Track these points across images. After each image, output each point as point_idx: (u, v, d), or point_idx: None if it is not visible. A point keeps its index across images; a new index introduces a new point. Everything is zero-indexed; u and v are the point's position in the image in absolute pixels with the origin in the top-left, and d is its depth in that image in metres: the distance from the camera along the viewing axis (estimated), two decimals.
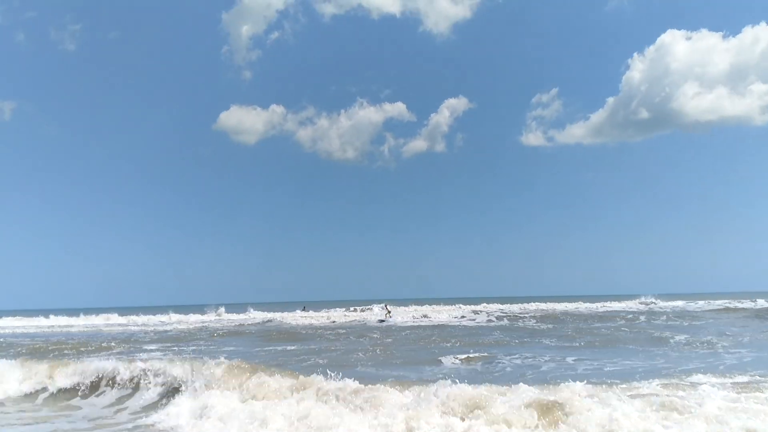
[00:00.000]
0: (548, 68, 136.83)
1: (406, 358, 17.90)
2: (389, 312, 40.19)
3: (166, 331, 34.38)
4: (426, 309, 50.53)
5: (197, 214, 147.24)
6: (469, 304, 67.28)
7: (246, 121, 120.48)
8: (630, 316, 38.42)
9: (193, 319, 50.62)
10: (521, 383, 9.50)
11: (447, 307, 54.75)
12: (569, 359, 16.38)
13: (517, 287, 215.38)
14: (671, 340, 20.91)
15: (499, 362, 16.14)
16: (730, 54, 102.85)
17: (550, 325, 31.22)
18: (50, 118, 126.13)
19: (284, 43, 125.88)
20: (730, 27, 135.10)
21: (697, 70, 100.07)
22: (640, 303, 60.93)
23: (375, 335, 27.03)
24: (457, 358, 17.00)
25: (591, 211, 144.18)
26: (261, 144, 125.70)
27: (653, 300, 62.69)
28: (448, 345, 21.58)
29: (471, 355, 17.49)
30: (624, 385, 10.12)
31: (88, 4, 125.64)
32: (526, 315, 39.55)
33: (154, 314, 60.11)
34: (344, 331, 31.03)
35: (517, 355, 17.37)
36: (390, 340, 24.71)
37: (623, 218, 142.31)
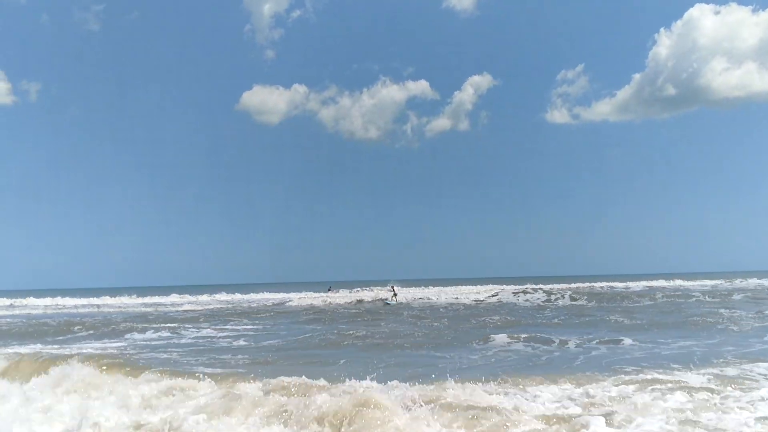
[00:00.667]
0: (574, 44, 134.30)
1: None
2: (395, 294, 38.58)
3: (217, 309, 34.59)
4: (460, 289, 50.27)
5: (219, 194, 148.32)
6: (495, 284, 67.07)
7: (269, 101, 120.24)
8: (679, 293, 37.49)
9: (237, 299, 52.38)
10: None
11: (478, 287, 54.48)
12: (626, 341, 15.84)
13: (543, 266, 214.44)
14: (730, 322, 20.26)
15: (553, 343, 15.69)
16: (760, 28, 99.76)
17: (593, 303, 30.68)
18: (75, 99, 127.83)
19: (306, 22, 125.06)
20: (759, 1, 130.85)
21: (726, 45, 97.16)
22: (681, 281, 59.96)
23: (420, 315, 26.80)
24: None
25: (617, 188, 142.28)
26: (284, 124, 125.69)
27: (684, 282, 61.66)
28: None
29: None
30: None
31: None
32: (565, 294, 38.46)
33: (187, 294, 61.21)
34: (371, 312, 30.85)
35: (570, 337, 16.87)
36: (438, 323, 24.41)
37: (649, 196, 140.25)
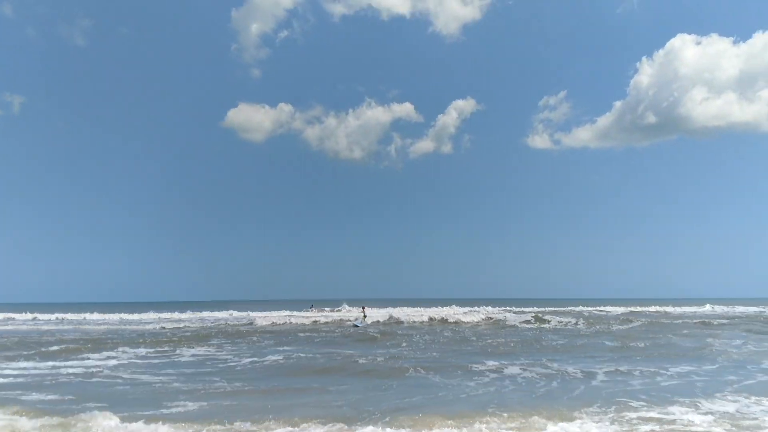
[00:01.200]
0: (557, 70, 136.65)
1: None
2: (365, 315, 36.74)
3: (199, 327, 33.46)
4: (443, 310, 49.47)
5: (203, 211, 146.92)
6: (477, 305, 66.48)
7: (254, 119, 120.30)
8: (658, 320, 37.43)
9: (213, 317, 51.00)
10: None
11: (462, 309, 53.80)
12: (622, 368, 15.43)
13: (521, 289, 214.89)
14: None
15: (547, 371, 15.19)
16: (740, 60, 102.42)
17: (592, 329, 30.18)
18: (59, 112, 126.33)
19: (293, 42, 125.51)
20: (740, 32, 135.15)
21: (706, 75, 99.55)
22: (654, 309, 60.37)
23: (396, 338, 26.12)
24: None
25: (597, 214, 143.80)
26: (269, 142, 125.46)
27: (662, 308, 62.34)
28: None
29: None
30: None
31: (98, 0, 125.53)
32: (555, 318, 37.82)
33: (162, 311, 59.82)
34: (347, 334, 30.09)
35: (564, 362, 16.40)
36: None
37: (629, 222, 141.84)
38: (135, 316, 51.55)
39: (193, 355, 19.63)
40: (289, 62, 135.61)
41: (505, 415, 9.91)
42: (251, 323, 36.61)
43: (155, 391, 12.60)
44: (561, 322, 34.99)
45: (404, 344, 23.11)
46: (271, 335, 28.38)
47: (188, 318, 50.30)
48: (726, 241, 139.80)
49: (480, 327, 31.58)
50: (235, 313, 54.12)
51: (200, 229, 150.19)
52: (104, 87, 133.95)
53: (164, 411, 10.51)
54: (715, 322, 35.09)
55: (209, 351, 21.03)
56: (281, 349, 21.78)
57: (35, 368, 16.23)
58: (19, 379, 14.35)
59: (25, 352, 20.08)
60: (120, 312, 58.49)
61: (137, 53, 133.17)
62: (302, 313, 50.63)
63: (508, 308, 56.67)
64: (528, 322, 35.59)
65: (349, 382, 13.83)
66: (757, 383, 13.46)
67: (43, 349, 20.98)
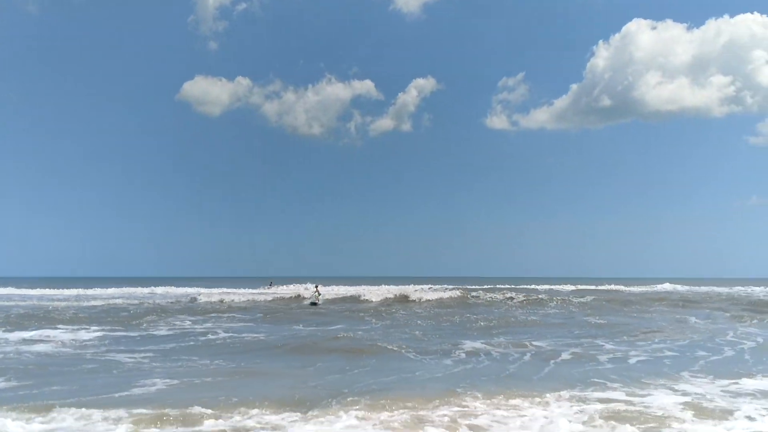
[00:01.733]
0: (516, 52, 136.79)
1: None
2: (319, 294, 35.10)
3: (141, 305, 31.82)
4: (403, 289, 48.98)
5: (157, 185, 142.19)
6: (435, 283, 66.75)
7: (211, 92, 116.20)
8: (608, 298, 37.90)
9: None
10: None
11: (419, 287, 53.65)
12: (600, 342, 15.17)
13: (477, 267, 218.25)
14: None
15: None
16: (693, 45, 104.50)
17: (554, 310, 29.97)
18: (8, 85, 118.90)
19: (252, 15, 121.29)
20: (694, 18, 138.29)
21: (660, 59, 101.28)
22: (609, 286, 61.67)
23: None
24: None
25: (552, 195, 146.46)
26: (225, 116, 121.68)
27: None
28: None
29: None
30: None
31: None
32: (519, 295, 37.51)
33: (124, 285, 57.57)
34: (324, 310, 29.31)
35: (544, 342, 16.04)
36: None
37: (583, 204, 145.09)
38: (74, 292, 49.89)
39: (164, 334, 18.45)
40: (247, 35, 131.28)
41: (479, 394, 9.36)
42: (221, 301, 35.14)
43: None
44: (511, 298, 34.94)
45: (374, 321, 22.53)
46: (240, 311, 27.44)
47: (127, 293, 48.55)
48: (676, 222, 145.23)
49: (435, 305, 31.21)
50: (203, 290, 51.93)
51: (154, 204, 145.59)
52: (56, 57, 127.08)
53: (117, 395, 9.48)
54: (677, 301, 35.80)
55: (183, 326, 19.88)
56: (243, 326, 20.85)
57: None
58: None
59: None
60: (59, 287, 56.44)
61: (91, 23, 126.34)
62: (261, 290, 49.54)
63: (465, 286, 56.81)
64: (492, 301, 35.40)
65: (325, 360, 13.18)
66: (723, 359, 13.41)
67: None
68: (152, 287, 59.38)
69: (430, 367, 12.21)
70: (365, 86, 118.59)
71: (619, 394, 9.48)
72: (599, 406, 8.53)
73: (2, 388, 9.97)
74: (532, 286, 60.77)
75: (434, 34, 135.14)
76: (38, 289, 53.63)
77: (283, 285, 57.28)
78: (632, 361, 13.15)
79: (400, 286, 55.67)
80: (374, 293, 38.85)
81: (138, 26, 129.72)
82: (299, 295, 39.08)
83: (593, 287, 58.89)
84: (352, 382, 10.43)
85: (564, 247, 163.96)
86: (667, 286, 62.12)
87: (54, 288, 56.36)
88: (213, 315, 25.49)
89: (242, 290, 51.19)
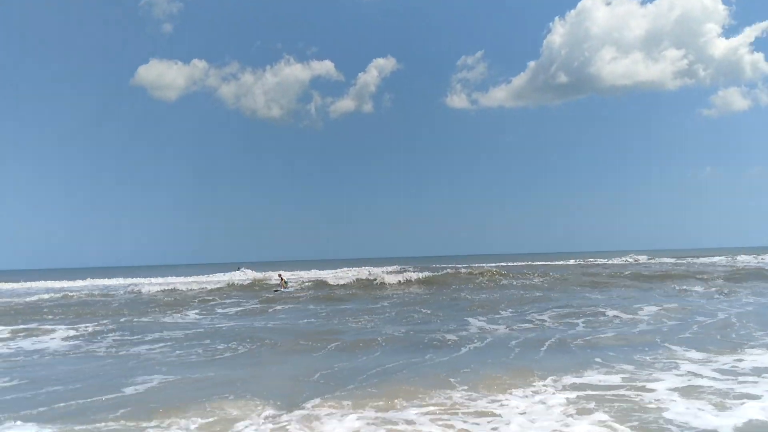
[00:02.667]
0: (474, 30, 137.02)
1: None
2: (284, 281, 32.20)
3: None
4: (367, 270, 48.25)
5: (114, 173, 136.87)
6: (396, 264, 66.51)
7: (166, 75, 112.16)
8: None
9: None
10: None
11: (382, 269, 53.08)
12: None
13: (440, 247, 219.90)
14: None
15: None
16: (647, 20, 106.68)
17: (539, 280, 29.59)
18: None
19: None
20: None
21: (615, 35, 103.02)
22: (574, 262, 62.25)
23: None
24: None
25: (512, 173, 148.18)
26: (182, 100, 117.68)
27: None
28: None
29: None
30: None
31: None
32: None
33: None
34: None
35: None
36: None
37: (543, 180, 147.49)
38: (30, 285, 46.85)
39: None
40: (202, 17, 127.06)
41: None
42: (203, 288, 32.98)
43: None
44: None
45: (357, 307, 21.62)
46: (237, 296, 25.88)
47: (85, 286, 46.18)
48: (634, 195, 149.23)
49: (403, 288, 30.54)
50: (173, 279, 49.59)
51: (109, 192, 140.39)
52: (5, 40, 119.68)
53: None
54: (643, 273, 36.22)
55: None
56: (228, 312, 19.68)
57: None
58: None
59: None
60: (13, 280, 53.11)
61: (40, 7, 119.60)
62: (229, 277, 48.09)
63: (424, 265, 56.57)
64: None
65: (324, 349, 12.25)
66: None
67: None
68: (117, 278, 56.61)
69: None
70: (324, 66, 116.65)
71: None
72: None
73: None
74: (500, 264, 61.09)
75: (394, 13, 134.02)
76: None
77: (250, 270, 56.00)
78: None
79: (366, 268, 55.18)
80: (341, 277, 37.59)
81: (90, 9, 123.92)
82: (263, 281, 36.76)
83: (562, 263, 59.42)
84: (355, 374, 9.62)
85: (525, 223, 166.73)
86: (629, 259, 63.34)
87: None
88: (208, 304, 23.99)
89: (216, 276, 49.57)
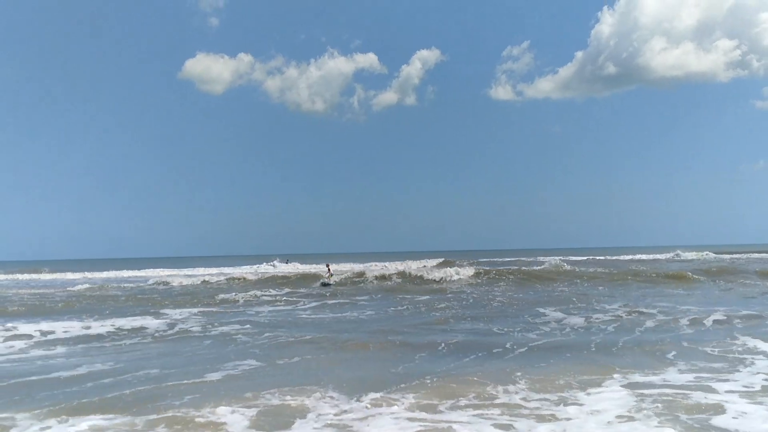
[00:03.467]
0: (520, 20, 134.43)
1: None
2: (331, 273, 32.26)
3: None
4: (410, 264, 48.04)
5: (161, 166, 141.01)
6: (440, 257, 66.00)
7: (213, 69, 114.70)
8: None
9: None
10: None
11: (424, 262, 52.85)
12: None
13: (486, 241, 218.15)
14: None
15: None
16: (699, 9, 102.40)
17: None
18: (10, 62, 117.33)
19: None
20: None
21: (665, 25, 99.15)
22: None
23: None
24: None
25: (559, 165, 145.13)
26: (228, 93, 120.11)
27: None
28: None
29: None
30: None
31: None
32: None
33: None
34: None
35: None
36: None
37: (590, 172, 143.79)
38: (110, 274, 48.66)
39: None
40: (248, 11, 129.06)
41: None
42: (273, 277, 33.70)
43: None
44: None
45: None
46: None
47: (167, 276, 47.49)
48: (683, 188, 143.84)
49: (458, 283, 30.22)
50: (226, 270, 50.67)
51: (157, 185, 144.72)
52: (54, 36, 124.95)
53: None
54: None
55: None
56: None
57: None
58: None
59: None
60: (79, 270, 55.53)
61: (90, 2, 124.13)
62: (280, 269, 49.16)
63: (470, 259, 55.99)
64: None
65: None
66: None
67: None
68: (179, 268, 58.03)
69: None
70: (368, 59, 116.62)
71: None
72: None
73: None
74: (548, 258, 59.82)
75: (438, 4, 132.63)
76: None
77: (297, 263, 56.95)
78: None
79: (407, 262, 54.97)
80: (385, 270, 37.00)
81: (139, 2, 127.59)
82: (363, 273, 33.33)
83: (614, 258, 57.77)
84: (431, 367, 9.55)
85: (574, 216, 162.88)
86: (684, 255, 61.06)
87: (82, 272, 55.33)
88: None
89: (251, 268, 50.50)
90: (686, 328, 12.79)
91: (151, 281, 34.59)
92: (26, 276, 50.07)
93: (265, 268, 51.96)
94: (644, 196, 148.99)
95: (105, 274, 50.80)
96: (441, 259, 55.93)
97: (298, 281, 31.72)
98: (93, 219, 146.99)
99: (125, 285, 32.46)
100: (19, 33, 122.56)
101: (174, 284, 31.73)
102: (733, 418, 6.36)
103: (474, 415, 6.62)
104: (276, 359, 10.10)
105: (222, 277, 35.10)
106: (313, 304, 20.19)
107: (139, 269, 57.11)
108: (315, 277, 32.91)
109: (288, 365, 9.66)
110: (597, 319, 14.45)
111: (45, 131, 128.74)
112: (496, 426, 6.26)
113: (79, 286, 30.60)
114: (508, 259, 52.98)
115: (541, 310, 16.60)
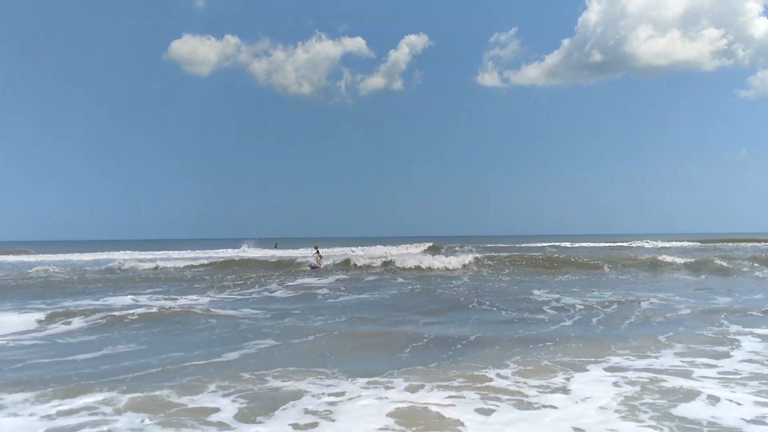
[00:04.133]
0: (508, 7, 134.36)
1: None
2: (320, 256, 31.79)
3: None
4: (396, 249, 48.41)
5: (147, 146, 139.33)
6: (424, 242, 66.38)
7: (199, 51, 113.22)
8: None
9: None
10: None
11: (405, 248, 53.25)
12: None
13: (471, 227, 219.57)
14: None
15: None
16: None
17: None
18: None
19: None
20: None
21: (652, 13, 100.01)
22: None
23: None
24: None
25: (543, 152, 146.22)
26: (214, 75, 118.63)
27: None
28: None
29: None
30: None
31: None
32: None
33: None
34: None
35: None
36: None
37: (573, 160, 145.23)
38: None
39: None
40: None
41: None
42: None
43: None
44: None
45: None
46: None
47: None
48: (668, 176, 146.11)
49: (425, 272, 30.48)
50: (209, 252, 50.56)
51: (141, 166, 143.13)
52: (40, 17, 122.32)
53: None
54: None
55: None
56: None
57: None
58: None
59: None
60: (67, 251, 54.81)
61: None
62: (268, 252, 49.28)
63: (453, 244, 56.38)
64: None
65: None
66: None
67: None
68: (167, 251, 57.64)
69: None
70: (356, 43, 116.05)
71: None
72: None
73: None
74: (525, 245, 60.72)
75: None
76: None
77: (286, 247, 57.01)
78: None
79: (394, 247, 55.31)
80: (371, 256, 36.91)
81: None
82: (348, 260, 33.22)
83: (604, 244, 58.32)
84: (451, 343, 9.73)
85: (559, 202, 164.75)
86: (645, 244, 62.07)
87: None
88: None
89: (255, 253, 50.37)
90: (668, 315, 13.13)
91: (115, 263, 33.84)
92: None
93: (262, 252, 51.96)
94: (628, 182, 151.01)
95: (87, 256, 50.45)
96: (429, 244, 56.22)
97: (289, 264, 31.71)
98: (80, 201, 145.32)
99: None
100: (2, 13, 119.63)
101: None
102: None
103: (456, 397, 6.78)
104: (292, 339, 10.30)
105: (205, 261, 35.00)
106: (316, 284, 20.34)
107: (109, 251, 56.69)
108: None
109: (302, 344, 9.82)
110: (596, 304, 14.73)
111: (28, 113, 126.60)
112: (478, 411, 6.34)
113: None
114: (491, 245, 53.44)
115: (539, 295, 16.89)
